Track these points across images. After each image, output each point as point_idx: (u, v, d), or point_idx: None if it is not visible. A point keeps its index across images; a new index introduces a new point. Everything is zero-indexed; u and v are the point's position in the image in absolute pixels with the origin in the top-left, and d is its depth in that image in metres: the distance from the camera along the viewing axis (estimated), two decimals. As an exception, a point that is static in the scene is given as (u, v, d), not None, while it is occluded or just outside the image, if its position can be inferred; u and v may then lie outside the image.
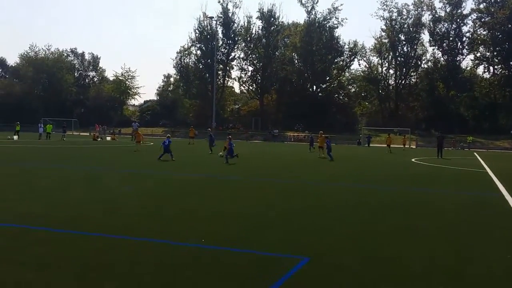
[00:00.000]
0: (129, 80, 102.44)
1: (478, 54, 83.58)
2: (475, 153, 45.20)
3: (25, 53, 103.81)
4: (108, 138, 59.60)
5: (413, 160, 32.49)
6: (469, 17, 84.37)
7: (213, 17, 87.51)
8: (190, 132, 51.05)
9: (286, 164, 25.84)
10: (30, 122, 77.21)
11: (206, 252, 7.09)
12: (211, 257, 6.83)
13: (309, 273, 6.20)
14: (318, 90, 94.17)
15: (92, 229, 8.22)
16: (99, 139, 55.55)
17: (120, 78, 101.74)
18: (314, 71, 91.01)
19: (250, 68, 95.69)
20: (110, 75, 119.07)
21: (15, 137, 46.82)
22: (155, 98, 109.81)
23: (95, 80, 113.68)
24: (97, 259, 6.53)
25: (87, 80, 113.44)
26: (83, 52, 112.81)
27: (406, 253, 7.36)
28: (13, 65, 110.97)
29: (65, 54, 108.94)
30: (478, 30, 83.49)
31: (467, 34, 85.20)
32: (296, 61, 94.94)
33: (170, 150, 24.22)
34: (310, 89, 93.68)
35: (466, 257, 7.24)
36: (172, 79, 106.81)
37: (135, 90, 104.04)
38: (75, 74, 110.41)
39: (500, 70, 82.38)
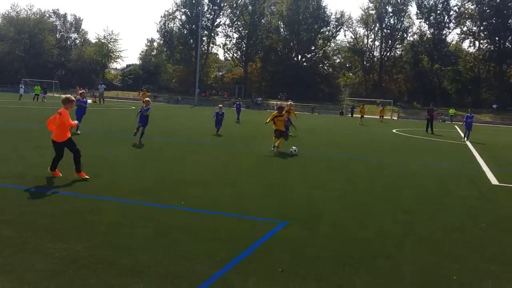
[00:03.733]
0: (111, 43, 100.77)
1: (465, 29, 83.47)
2: (456, 126, 45.77)
3: (7, 12, 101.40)
4: (90, 101, 58.81)
5: (394, 131, 32.81)
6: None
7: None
8: (143, 95, 46.84)
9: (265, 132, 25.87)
10: (10, 83, 75.83)
11: (187, 215, 7.16)
12: (192, 220, 6.91)
13: (287, 235, 6.34)
14: (303, 59, 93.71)
15: (71, 190, 8.22)
16: (80, 102, 54.73)
17: (103, 40, 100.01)
18: (300, 41, 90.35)
19: (235, 35, 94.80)
20: (92, 37, 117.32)
21: (-6, 98, 45.86)
22: (138, 62, 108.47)
23: (77, 42, 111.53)
24: (76, 218, 6.56)
25: (68, 42, 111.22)
26: (65, 14, 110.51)
27: (384, 221, 7.52)
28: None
29: (47, 15, 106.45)
30: (466, 4, 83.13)
31: (455, 8, 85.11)
32: (282, 30, 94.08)
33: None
34: (295, 59, 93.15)
35: (443, 227, 7.41)
36: (155, 44, 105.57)
37: (118, 54, 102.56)
38: (57, 35, 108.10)
39: (485, 45, 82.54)
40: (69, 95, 9.99)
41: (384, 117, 53.92)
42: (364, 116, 45.38)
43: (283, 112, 16.41)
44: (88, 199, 7.70)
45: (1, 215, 6.50)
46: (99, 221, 6.50)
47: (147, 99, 17.69)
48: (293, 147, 15.18)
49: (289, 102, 25.21)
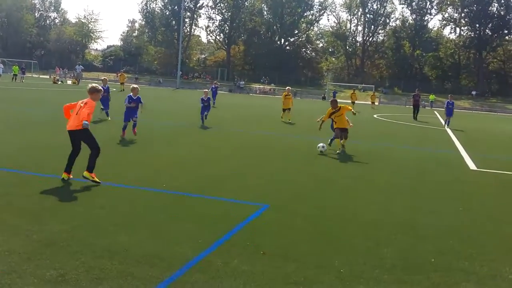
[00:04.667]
0: (92, 23, 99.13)
1: (446, 15, 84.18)
2: (435, 112, 46.26)
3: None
4: (69, 82, 58.06)
5: (375, 116, 33.00)
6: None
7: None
8: (121, 77, 47.63)
9: (253, 117, 25.83)
10: (-14, 63, 74.12)
11: (169, 197, 7.11)
12: (174, 202, 6.87)
13: (268, 218, 6.37)
14: (286, 43, 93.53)
15: (46, 171, 8.08)
16: (59, 82, 54.09)
17: (83, 20, 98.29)
18: (283, 24, 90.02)
19: (218, 18, 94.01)
20: (72, 17, 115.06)
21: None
22: (119, 44, 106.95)
23: (56, 21, 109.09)
24: (52, 199, 6.48)
25: (48, 21, 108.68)
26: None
27: (362, 203, 7.58)
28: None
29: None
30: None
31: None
32: (265, 13, 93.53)
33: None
34: (278, 42, 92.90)
35: (420, 210, 7.49)
36: (137, 25, 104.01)
37: (98, 34, 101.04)
38: (36, 14, 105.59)
39: (466, 32, 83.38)
40: (96, 85, 8.09)
41: (374, 103, 51.36)
42: (355, 102, 42.49)
43: (338, 106, 13.58)
44: (65, 180, 7.58)
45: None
46: (76, 202, 6.44)
47: (135, 86, 13.88)
48: (321, 144, 12.92)
49: (287, 88, 25.28)
